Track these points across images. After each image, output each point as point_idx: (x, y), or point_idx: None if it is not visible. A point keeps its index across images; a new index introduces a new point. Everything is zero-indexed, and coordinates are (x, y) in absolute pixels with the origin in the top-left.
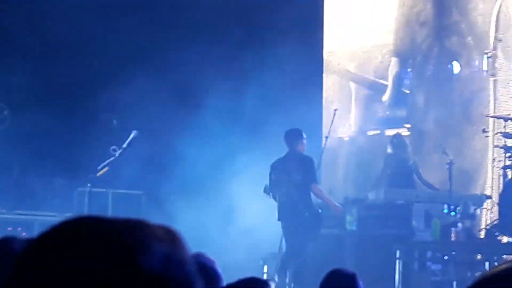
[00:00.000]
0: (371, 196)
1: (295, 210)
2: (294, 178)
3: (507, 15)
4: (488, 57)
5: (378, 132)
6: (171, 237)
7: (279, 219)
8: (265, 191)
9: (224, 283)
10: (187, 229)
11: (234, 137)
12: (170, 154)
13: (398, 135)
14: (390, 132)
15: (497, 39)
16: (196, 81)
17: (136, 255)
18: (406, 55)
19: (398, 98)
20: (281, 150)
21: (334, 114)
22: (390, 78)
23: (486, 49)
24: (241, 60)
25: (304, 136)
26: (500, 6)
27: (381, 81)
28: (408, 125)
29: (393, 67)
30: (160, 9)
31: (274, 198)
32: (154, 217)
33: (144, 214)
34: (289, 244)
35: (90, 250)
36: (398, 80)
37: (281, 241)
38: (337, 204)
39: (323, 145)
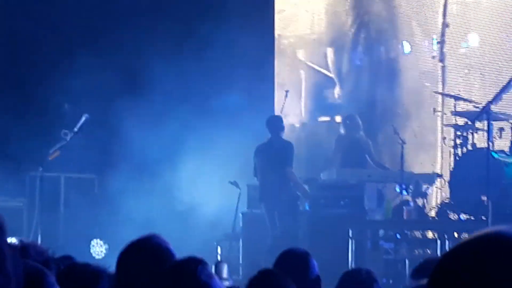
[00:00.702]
0: (323, 176)
1: (275, 193)
2: (274, 162)
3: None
4: (437, 42)
5: (328, 118)
6: None
7: (260, 201)
8: (255, 175)
9: None
10: (140, 212)
11: (184, 118)
12: (121, 137)
13: (351, 116)
14: (340, 119)
15: (445, 24)
16: (146, 63)
17: None
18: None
19: (345, 82)
20: (231, 130)
21: (286, 96)
22: (331, 65)
23: (434, 33)
24: (192, 40)
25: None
26: None
27: (323, 70)
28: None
29: (330, 53)
30: None
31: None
32: (107, 201)
33: (97, 198)
34: (273, 226)
35: None
36: (347, 63)
37: (234, 221)
38: (306, 189)
39: None
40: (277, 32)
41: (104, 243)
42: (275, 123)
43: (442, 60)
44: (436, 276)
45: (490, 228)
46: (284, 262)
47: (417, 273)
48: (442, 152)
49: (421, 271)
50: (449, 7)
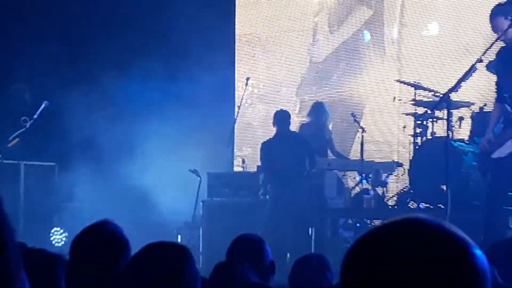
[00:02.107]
0: None
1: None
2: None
3: None
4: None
5: (306, 97)
6: None
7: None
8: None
9: (134, 251)
10: (100, 200)
11: (145, 106)
12: (81, 124)
13: (318, 104)
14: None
15: (404, 7)
16: (104, 51)
17: None
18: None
19: (311, 68)
20: (191, 118)
21: (246, 83)
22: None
23: (394, 18)
24: (152, 24)
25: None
26: None
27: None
28: (321, 95)
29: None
30: None
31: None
32: (66, 189)
33: (57, 185)
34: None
35: None
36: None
37: (194, 210)
38: None
39: (235, 114)
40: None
41: (64, 231)
42: (284, 117)
43: (399, 43)
44: (347, 264)
45: (400, 216)
46: (238, 248)
47: None
48: (402, 140)
49: None
50: None
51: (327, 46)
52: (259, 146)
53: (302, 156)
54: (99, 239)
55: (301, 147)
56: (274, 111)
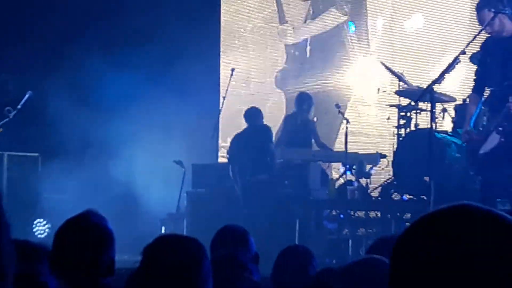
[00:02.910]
0: None
1: None
2: None
3: None
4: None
5: (290, 89)
6: None
7: None
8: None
9: (118, 242)
10: (84, 191)
11: (128, 98)
12: (65, 116)
13: (303, 94)
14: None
15: None
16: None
17: None
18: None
19: (295, 59)
20: (176, 109)
21: (232, 74)
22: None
23: (378, 10)
24: (136, 15)
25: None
26: None
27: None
28: (309, 84)
29: (285, 30)
30: None
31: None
32: (50, 180)
33: (40, 176)
34: None
35: None
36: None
37: (178, 201)
38: None
39: (220, 105)
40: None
41: (47, 222)
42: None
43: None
44: (400, 248)
45: (451, 204)
46: (222, 240)
47: (373, 252)
48: (386, 132)
49: (376, 249)
50: None
51: (306, 35)
52: None
53: (264, 150)
54: (83, 230)
55: (262, 140)
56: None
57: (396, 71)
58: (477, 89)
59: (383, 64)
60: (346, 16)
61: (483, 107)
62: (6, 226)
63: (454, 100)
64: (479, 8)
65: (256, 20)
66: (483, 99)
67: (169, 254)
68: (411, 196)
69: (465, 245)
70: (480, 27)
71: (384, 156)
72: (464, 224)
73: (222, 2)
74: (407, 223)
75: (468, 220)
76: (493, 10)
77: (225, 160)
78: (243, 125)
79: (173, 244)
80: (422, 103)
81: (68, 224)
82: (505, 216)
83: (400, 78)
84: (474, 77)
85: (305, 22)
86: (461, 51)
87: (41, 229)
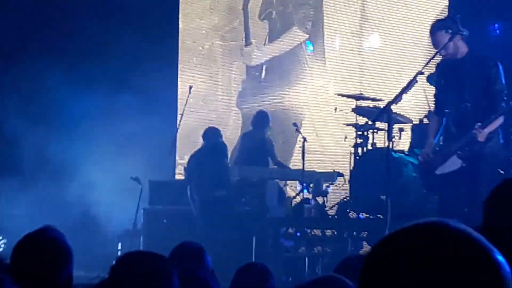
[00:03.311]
0: None
1: None
2: None
3: None
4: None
5: (247, 107)
6: None
7: None
8: None
9: (74, 258)
10: (39, 207)
11: (85, 114)
12: (19, 133)
13: (260, 112)
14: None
15: (345, 19)
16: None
17: None
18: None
19: (254, 78)
20: (133, 126)
21: (190, 91)
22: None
23: (336, 30)
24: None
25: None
26: None
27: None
28: (267, 102)
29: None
30: None
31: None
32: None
33: None
34: None
35: None
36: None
37: (135, 217)
38: None
39: (178, 122)
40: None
41: (3, 237)
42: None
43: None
44: (369, 266)
45: (427, 219)
46: (178, 256)
47: (338, 272)
48: (343, 150)
49: (342, 269)
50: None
51: (268, 56)
52: None
53: (219, 167)
54: (41, 245)
55: (217, 158)
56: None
57: (354, 94)
58: (437, 110)
59: (340, 95)
60: (307, 35)
61: None
62: None
63: (410, 121)
64: (433, 31)
65: (215, 38)
66: (444, 120)
67: (138, 271)
68: (367, 215)
69: (436, 264)
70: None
71: (341, 175)
72: (436, 242)
73: (180, 19)
74: (363, 242)
75: (440, 238)
76: (450, 31)
77: (182, 177)
78: (200, 142)
79: (141, 261)
80: (379, 122)
81: (26, 238)
82: (479, 236)
83: (358, 98)
84: (433, 99)
85: (264, 44)
86: (419, 71)
87: None
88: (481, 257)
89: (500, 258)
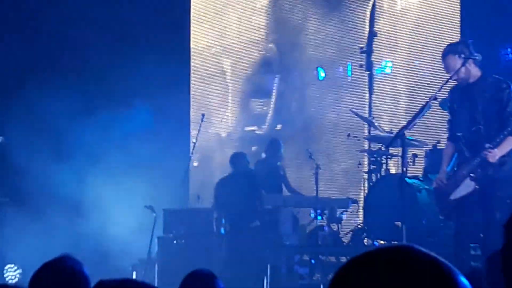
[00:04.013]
0: None
1: None
2: None
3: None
4: (362, 51)
5: (255, 128)
6: None
7: None
8: None
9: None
10: (55, 237)
11: (98, 145)
12: (33, 159)
13: (273, 140)
14: (265, 129)
15: (372, 34)
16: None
17: None
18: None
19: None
20: (147, 155)
21: (202, 120)
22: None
23: (348, 56)
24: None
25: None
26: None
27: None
28: (279, 127)
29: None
30: None
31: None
32: (20, 223)
33: (10, 222)
34: None
35: None
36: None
37: (150, 246)
38: None
39: (191, 150)
40: (203, 43)
41: (18, 268)
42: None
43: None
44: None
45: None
46: (189, 284)
47: None
48: (357, 177)
49: None
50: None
51: (281, 82)
52: (215, 182)
53: (252, 194)
54: (60, 274)
55: (251, 186)
56: (231, 152)
57: (366, 117)
58: (450, 136)
59: (352, 111)
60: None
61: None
62: None
63: (425, 144)
64: (445, 55)
65: (226, 63)
66: (462, 146)
67: None
68: (382, 241)
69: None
70: (449, 74)
71: (355, 201)
72: (405, 262)
73: (192, 47)
74: None
75: (409, 259)
76: (463, 56)
77: (195, 206)
78: (213, 169)
79: None
80: (392, 148)
81: (44, 268)
82: (445, 263)
83: (370, 123)
84: (447, 125)
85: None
86: (432, 96)
87: (12, 274)
88: (444, 279)
89: (463, 279)
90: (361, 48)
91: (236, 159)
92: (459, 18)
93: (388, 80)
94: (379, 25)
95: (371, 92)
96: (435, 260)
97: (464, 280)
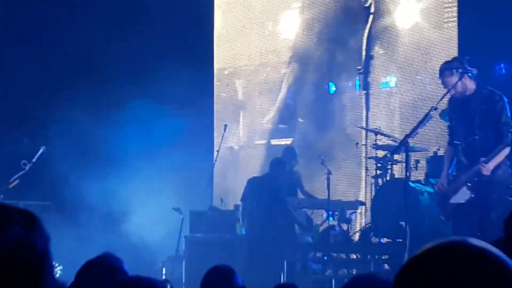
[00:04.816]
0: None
1: None
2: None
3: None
4: (359, 73)
5: (264, 142)
6: (27, 221)
7: None
8: None
9: None
10: (92, 236)
11: (133, 151)
12: (71, 168)
13: (289, 148)
14: (274, 142)
15: (368, 56)
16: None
17: None
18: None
19: (283, 113)
20: (176, 166)
21: (224, 130)
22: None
23: (356, 72)
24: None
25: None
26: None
27: (264, 98)
28: (291, 139)
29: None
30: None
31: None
32: (60, 224)
33: (52, 223)
34: None
35: None
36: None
37: (178, 244)
38: None
39: (214, 158)
40: (219, 65)
41: (59, 264)
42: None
43: (365, 89)
44: (401, 279)
45: (450, 238)
46: (211, 278)
47: None
48: (365, 181)
49: (352, 286)
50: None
51: (295, 96)
52: (239, 184)
53: (281, 197)
54: (103, 270)
55: (281, 189)
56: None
57: (373, 128)
58: (450, 142)
59: (361, 127)
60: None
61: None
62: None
63: (426, 150)
64: (441, 72)
65: (246, 74)
66: (460, 154)
67: None
68: (388, 240)
69: (461, 277)
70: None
71: (363, 203)
72: (462, 258)
73: (215, 59)
74: (385, 264)
75: (465, 254)
76: (460, 71)
77: (219, 208)
78: (233, 174)
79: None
80: (397, 155)
81: (88, 264)
82: (498, 253)
83: (378, 133)
84: (448, 132)
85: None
86: (432, 107)
87: (55, 270)
88: (500, 269)
89: None
90: (359, 69)
91: (274, 163)
92: (457, 36)
93: (393, 94)
94: (376, 48)
95: (367, 109)
96: (487, 252)
97: None
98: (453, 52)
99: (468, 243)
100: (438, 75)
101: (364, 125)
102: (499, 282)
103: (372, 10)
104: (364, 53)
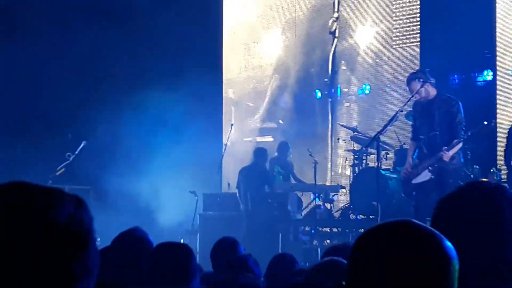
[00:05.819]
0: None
1: None
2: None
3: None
4: (326, 84)
5: (250, 139)
6: (76, 202)
7: None
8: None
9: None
10: (124, 214)
11: (155, 151)
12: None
13: (283, 143)
14: (260, 139)
15: (333, 71)
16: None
17: (48, 212)
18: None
19: (267, 116)
20: (192, 157)
21: (231, 128)
22: (267, 100)
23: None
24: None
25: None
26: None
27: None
28: (270, 138)
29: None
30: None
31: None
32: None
33: (91, 204)
34: None
35: None
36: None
37: (193, 221)
38: None
39: (223, 150)
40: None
41: (97, 237)
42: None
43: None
44: (357, 247)
45: (398, 219)
46: (218, 249)
47: (327, 255)
48: (345, 169)
49: (329, 253)
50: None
51: (277, 102)
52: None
53: (263, 182)
54: (133, 240)
55: (263, 176)
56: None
57: (351, 126)
58: (413, 137)
59: (341, 125)
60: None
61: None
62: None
63: (393, 148)
64: (408, 81)
65: (237, 85)
66: (418, 144)
67: (165, 258)
68: (363, 216)
69: (400, 246)
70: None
71: (343, 187)
72: (403, 232)
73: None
74: None
75: (406, 228)
76: (422, 80)
77: (227, 191)
78: (239, 163)
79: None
80: (370, 148)
81: (121, 235)
82: (431, 229)
83: (355, 130)
84: (411, 129)
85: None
86: (399, 109)
87: None
88: (434, 243)
89: (448, 244)
90: (326, 81)
91: (256, 152)
92: (419, 51)
93: (368, 99)
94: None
95: (333, 114)
96: (427, 229)
97: (448, 243)
98: (417, 65)
99: (409, 221)
100: (403, 83)
101: (335, 125)
102: (427, 251)
103: (336, 34)
104: (330, 68)
